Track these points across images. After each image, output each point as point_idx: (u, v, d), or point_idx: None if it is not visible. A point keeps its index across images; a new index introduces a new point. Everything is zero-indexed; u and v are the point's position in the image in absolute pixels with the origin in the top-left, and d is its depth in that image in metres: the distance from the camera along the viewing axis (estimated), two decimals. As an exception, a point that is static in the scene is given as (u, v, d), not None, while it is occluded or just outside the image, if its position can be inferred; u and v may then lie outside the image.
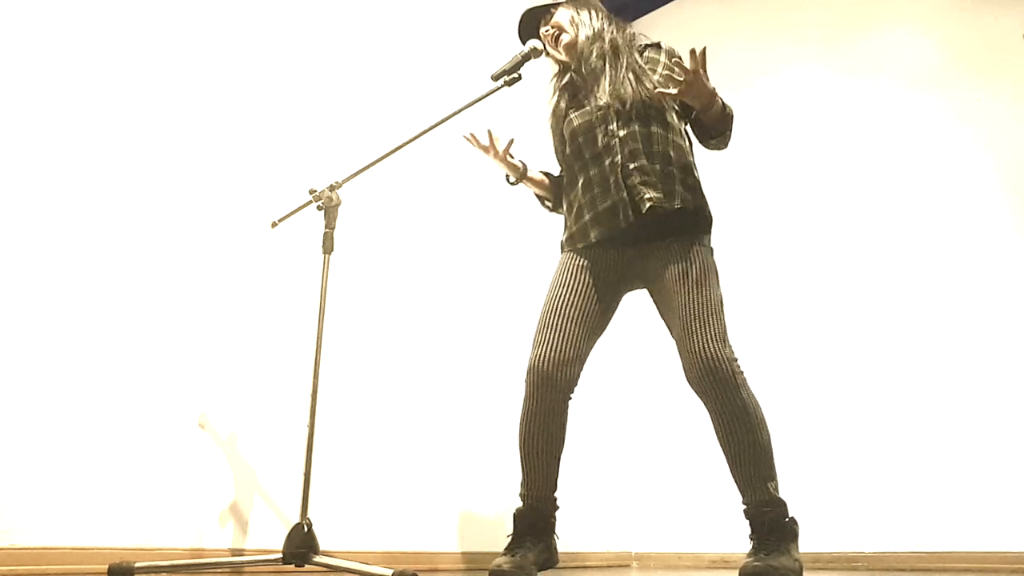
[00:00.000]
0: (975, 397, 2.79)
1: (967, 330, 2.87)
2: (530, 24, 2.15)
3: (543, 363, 1.89)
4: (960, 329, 2.89)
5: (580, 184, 1.99)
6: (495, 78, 1.98)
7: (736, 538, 3.17)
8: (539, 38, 2.12)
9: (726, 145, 2.03)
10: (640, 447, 3.61)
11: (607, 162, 1.93)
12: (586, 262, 1.97)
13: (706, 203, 1.98)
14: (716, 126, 1.94)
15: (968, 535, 2.68)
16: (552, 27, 2.08)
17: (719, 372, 1.76)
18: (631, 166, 1.90)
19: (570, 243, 2.02)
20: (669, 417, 3.54)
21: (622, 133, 1.92)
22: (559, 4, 2.11)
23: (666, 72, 2.00)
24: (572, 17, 2.08)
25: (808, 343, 3.23)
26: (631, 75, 1.97)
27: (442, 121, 1.94)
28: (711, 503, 3.29)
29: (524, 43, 2.10)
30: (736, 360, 1.80)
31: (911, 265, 3.06)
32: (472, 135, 2.08)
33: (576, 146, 2.00)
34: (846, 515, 2.94)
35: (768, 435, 1.79)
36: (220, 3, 2.35)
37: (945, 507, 2.75)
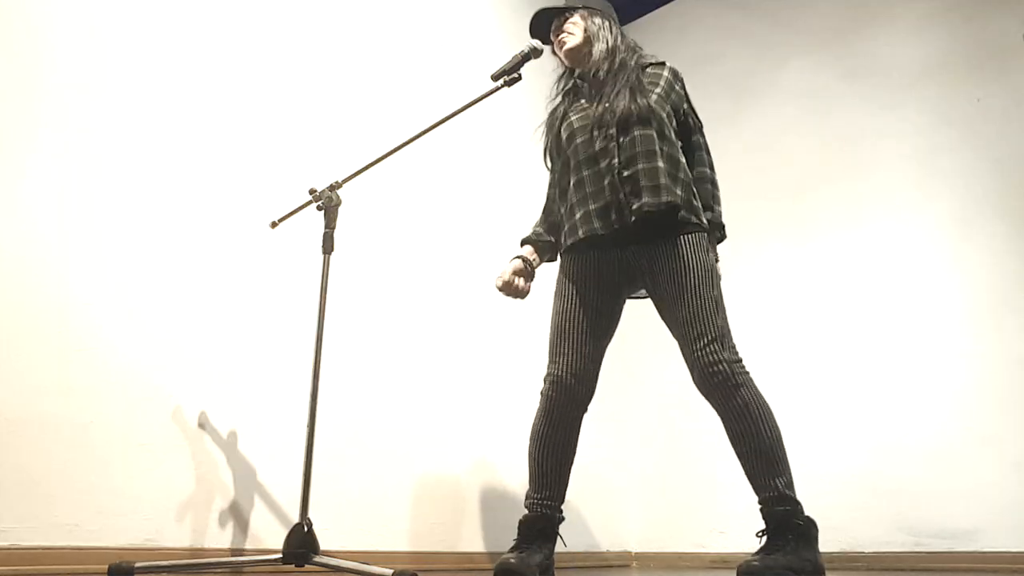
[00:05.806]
0: (975, 397, 2.79)
1: (966, 330, 2.87)
2: (541, 22, 2.14)
3: (564, 377, 1.90)
4: (959, 329, 2.89)
5: (573, 184, 1.99)
6: (495, 78, 1.97)
7: (736, 538, 3.18)
8: (550, 38, 2.12)
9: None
10: (640, 447, 3.61)
11: (603, 164, 1.93)
12: (587, 269, 1.97)
13: (700, 210, 1.96)
14: None
15: (968, 535, 2.69)
16: (564, 31, 2.09)
17: (718, 375, 1.78)
18: (625, 173, 1.89)
19: (566, 240, 2.00)
20: (669, 417, 3.54)
21: (621, 139, 1.92)
22: (575, 9, 2.10)
23: (666, 87, 2.01)
24: (587, 26, 2.08)
25: (808, 344, 3.23)
26: (628, 91, 1.97)
27: (442, 121, 1.94)
28: (711, 503, 3.29)
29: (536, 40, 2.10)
30: (737, 361, 1.80)
31: (911, 265, 3.06)
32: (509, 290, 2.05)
33: (573, 147, 2.00)
34: (846, 515, 2.94)
35: (776, 433, 1.79)
36: (221, 4, 2.35)
37: (945, 507, 2.75)
